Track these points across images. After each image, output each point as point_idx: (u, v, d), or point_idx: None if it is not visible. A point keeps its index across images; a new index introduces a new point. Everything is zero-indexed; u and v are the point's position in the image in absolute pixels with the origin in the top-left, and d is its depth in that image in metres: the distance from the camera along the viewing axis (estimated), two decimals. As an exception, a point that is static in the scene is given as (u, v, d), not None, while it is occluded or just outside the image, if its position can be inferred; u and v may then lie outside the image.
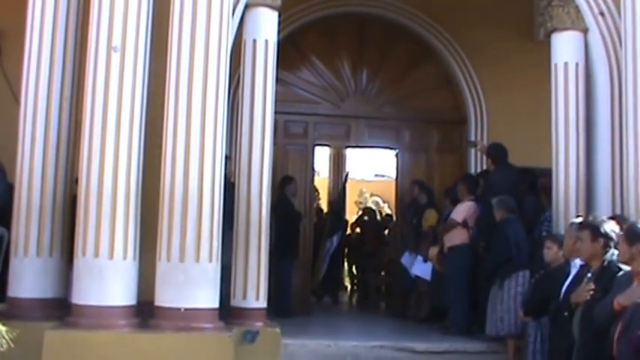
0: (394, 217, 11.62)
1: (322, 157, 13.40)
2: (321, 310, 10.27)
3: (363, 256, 12.18)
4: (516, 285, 6.91)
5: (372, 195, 17.67)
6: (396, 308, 9.86)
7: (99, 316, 5.59)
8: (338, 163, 14.34)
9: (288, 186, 9.19)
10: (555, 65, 7.34)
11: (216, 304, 5.82)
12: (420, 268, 8.91)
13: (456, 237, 8.11)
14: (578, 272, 5.03)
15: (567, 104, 7.22)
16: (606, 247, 4.64)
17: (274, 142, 7.31)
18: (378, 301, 11.49)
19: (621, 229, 4.73)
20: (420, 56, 10.24)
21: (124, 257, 5.71)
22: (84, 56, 6.13)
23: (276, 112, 7.14)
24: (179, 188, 5.73)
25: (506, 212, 7.24)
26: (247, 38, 6.95)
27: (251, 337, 6.34)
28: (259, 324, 6.56)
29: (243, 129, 6.88)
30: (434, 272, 8.60)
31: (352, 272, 13.20)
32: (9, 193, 6.59)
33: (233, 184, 6.84)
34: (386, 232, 12.51)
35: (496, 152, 8.25)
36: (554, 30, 7.37)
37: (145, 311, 5.74)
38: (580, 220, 5.40)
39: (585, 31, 7.28)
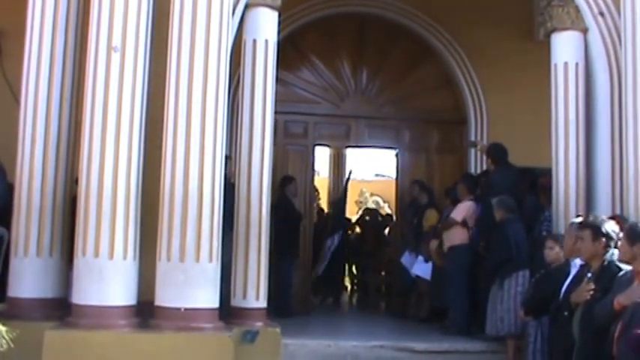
0: (394, 217, 11.63)
1: (322, 157, 13.40)
2: (321, 310, 10.27)
3: (364, 256, 12.19)
4: (516, 285, 6.91)
5: (372, 195, 17.69)
6: (396, 308, 9.87)
7: (99, 316, 5.59)
8: (338, 163, 14.34)
9: (289, 186, 9.19)
10: (555, 65, 7.35)
11: (216, 304, 5.82)
12: (421, 268, 8.91)
13: (456, 237, 8.11)
14: (578, 272, 5.04)
15: (567, 104, 7.22)
16: (607, 247, 4.64)
17: (274, 142, 7.31)
18: (378, 301, 11.49)
19: (621, 229, 4.74)
20: (420, 56, 10.24)
21: (124, 257, 5.71)
22: (84, 56, 6.13)
23: (276, 112, 7.14)
24: (179, 188, 5.74)
25: (506, 212, 7.24)
26: (247, 38, 6.95)
27: (251, 337, 6.34)
28: (259, 324, 6.56)
29: (243, 129, 6.88)
30: (434, 272, 8.60)
31: (352, 272, 13.20)
32: (9, 193, 6.59)
33: (233, 185, 6.84)
34: (386, 232, 12.52)
35: (496, 152, 8.25)
36: (554, 30, 7.37)
37: (145, 311, 5.74)
38: (580, 219, 5.41)
39: (585, 31, 7.28)
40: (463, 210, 8.16)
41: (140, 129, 5.86)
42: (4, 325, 4.52)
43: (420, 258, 8.94)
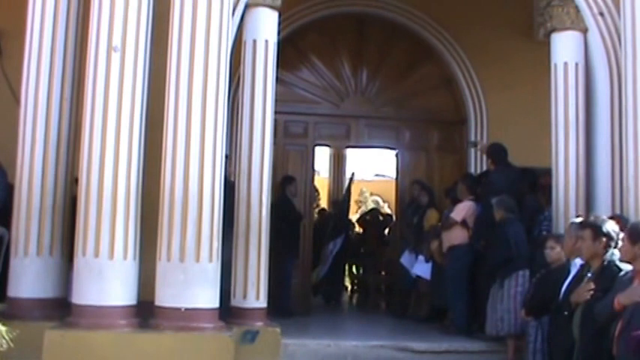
0: (394, 217, 11.63)
1: (322, 157, 13.41)
2: (321, 310, 10.27)
3: (364, 256, 12.18)
4: (516, 285, 6.91)
5: (372, 195, 17.70)
6: (396, 308, 9.86)
7: (99, 316, 5.59)
8: (338, 163, 14.34)
9: (289, 186, 9.19)
10: (555, 65, 7.35)
11: (216, 304, 5.82)
12: (421, 268, 8.91)
13: (456, 237, 8.11)
14: (578, 272, 5.04)
15: (567, 104, 7.22)
16: (607, 247, 4.65)
17: (274, 142, 7.32)
18: (378, 301, 11.49)
19: (621, 229, 4.74)
20: (420, 56, 10.24)
21: (124, 257, 5.71)
22: (84, 56, 6.13)
23: (276, 112, 7.14)
24: (179, 188, 5.74)
25: (505, 212, 7.24)
26: (247, 38, 6.95)
27: (251, 337, 6.34)
28: (259, 324, 6.56)
29: (243, 129, 6.88)
30: (434, 272, 8.60)
31: (352, 272, 13.20)
32: (9, 193, 6.60)
33: (233, 184, 6.84)
34: (386, 232, 12.51)
35: (496, 152, 8.25)
36: (554, 30, 7.38)
37: (145, 311, 5.74)
38: (580, 219, 5.41)
39: (585, 31, 7.29)
40: (463, 210, 8.16)
41: (140, 129, 5.86)
42: (4, 325, 4.52)
43: (421, 258, 8.93)
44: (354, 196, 15.82)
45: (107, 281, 5.65)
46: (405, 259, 9.33)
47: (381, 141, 10.52)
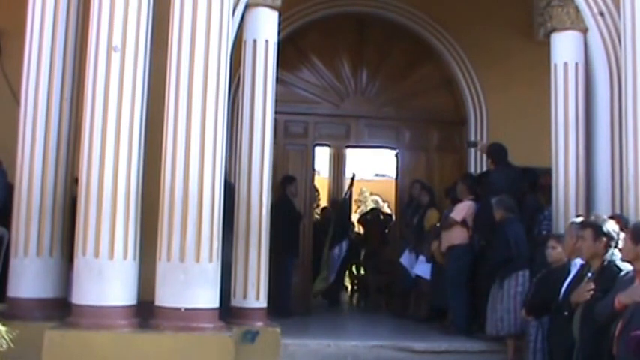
0: (393, 217, 11.62)
1: (322, 157, 13.42)
2: (321, 310, 10.27)
3: (365, 256, 12.18)
4: (516, 285, 6.91)
5: (372, 195, 17.70)
6: (396, 308, 9.86)
7: (99, 316, 5.59)
8: (338, 163, 14.34)
9: (289, 186, 9.19)
10: (555, 65, 7.35)
11: (216, 304, 5.82)
12: (422, 268, 8.91)
13: (456, 236, 8.11)
14: (578, 272, 5.04)
15: (567, 104, 7.22)
16: (607, 247, 4.65)
17: (274, 142, 7.32)
18: (378, 301, 11.49)
19: (621, 228, 4.75)
20: (420, 56, 10.24)
21: (124, 257, 5.71)
22: (84, 56, 6.13)
23: (276, 112, 7.14)
24: (179, 188, 5.74)
25: (505, 212, 7.24)
26: (247, 38, 6.95)
27: (251, 336, 6.34)
28: (259, 324, 6.56)
29: (243, 129, 6.88)
30: (434, 271, 8.60)
31: (352, 272, 13.19)
32: (9, 193, 6.59)
33: (233, 186, 6.83)
34: (386, 231, 12.50)
35: (496, 152, 8.26)
36: (554, 30, 7.38)
37: (145, 311, 5.74)
38: (580, 219, 5.41)
39: (585, 31, 7.29)
40: (463, 209, 8.15)
41: (140, 129, 5.86)
42: (4, 325, 4.53)
43: (422, 258, 8.93)
44: (354, 196, 15.82)
45: (107, 281, 5.65)
46: (405, 259, 9.33)
47: (381, 141, 10.53)
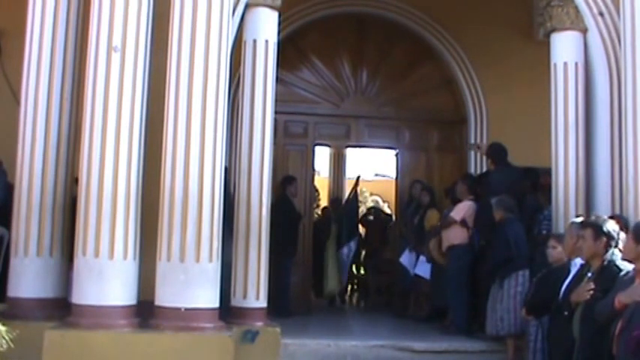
0: (393, 217, 11.62)
1: (322, 157, 13.41)
2: (321, 310, 10.27)
3: (365, 256, 12.17)
4: (516, 285, 6.91)
5: (372, 195, 17.68)
6: (396, 308, 9.87)
7: (99, 316, 5.59)
8: (338, 163, 14.33)
9: (289, 186, 9.19)
10: (555, 65, 7.35)
11: (216, 304, 5.82)
12: (422, 268, 8.91)
13: (456, 236, 8.11)
14: (578, 271, 5.04)
15: (567, 104, 7.22)
16: (608, 247, 4.65)
17: (274, 142, 7.32)
18: (378, 300, 11.48)
19: (621, 228, 4.75)
20: (420, 56, 10.25)
21: (124, 257, 5.71)
22: (84, 56, 6.13)
23: (276, 112, 7.14)
24: (179, 188, 5.73)
25: (505, 212, 7.24)
26: (247, 38, 6.95)
27: (251, 336, 6.34)
28: (259, 324, 6.56)
29: (243, 129, 6.88)
30: (434, 271, 8.60)
31: (352, 272, 13.17)
32: (9, 192, 6.59)
33: (232, 196, 6.82)
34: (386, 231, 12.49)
35: (496, 152, 8.26)
36: (554, 30, 7.38)
37: (145, 311, 5.74)
38: (581, 219, 5.41)
39: (585, 31, 7.29)
40: (462, 209, 8.16)
41: (140, 129, 5.86)
42: (4, 325, 4.53)
43: (422, 258, 8.93)
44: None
45: (107, 281, 5.64)
46: (405, 259, 9.33)
47: (381, 141, 10.55)
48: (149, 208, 5.90)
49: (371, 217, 12.71)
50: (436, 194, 9.52)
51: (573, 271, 5.20)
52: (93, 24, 5.90)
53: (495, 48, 9.70)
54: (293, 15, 9.40)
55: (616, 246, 4.65)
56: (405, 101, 10.14)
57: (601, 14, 7.16)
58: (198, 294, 5.69)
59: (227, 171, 6.58)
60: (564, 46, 7.32)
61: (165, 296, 5.70)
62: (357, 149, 13.00)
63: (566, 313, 4.79)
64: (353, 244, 10.87)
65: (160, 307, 5.70)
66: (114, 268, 5.67)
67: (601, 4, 7.16)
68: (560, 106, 7.26)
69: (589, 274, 4.73)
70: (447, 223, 8.25)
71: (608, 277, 4.51)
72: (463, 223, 8.10)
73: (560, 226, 6.87)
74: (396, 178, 10.57)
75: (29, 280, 6.18)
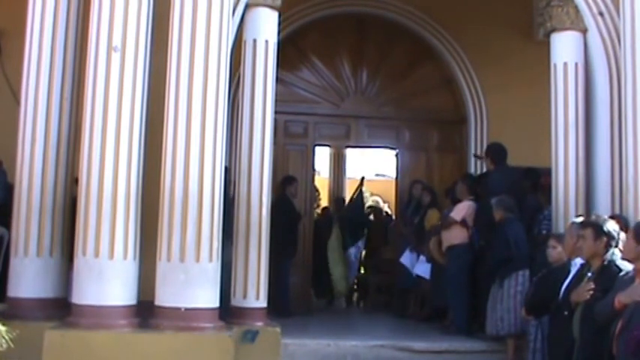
0: (394, 217, 11.62)
1: (322, 157, 13.41)
2: (321, 310, 10.27)
3: (365, 256, 12.16)
4: (516, 284, 6.91)
5: (372, 195, 17.67)
6: (396, 308, 9.87)
7: (99, 316, 5.59)
8: (338, 163, 14.34)
9: (289, 186, 9.19)
10: (555, 65, 7.35)
11: (216, 304, 5.82)
12: (422, 268, 8.91)
13: (456, 236, 8.10)
14: (578, 271, 5.04)
15: (567, 104, 7.22)
16: (608, 246, 4.65)
17: (274, 142, 7.32)
18: (378, 300, 11.48)
19: (621, 228, 4.75)
20: (420, 56, 10.25)
21: (124, 257, 5.71)
22: (84, 56, 6.13)
23: (276, 112, 7.14)
24: (179, 188, 5.73)
25: (505, 212, 7.24)
26: (247, 38, 6.95)
27: (251, 336, 6.34)
28: (259, 324, 6.56)
29: (243, 129, 6.88)
30: (434, 271, 8.60)
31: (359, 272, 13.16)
32: (9, 193, 6.59)
33: (232, 199, 6.81)
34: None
35: (495, 152, 8.25)
36: (554, 30, 7.37)
37: (145, 311, 5.74)
38: (581, 219, 5.41)
39: (584, 31, 7.28)
40: (462, 209, 8.15)
41: (140, 129, 5.86)
42: (4, 325, 4.53)
43: (422, 258, 8.93)
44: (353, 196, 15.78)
45: (107, 281, 5.65)
46: (405, 258, 9.33)
47: (381, 141, 10.55)
48: (149, 208, 5.91)
49: (371, 217, 12.70)
50: (437, 194, 9.52)
51: (573, 271, 5.20)
52: (93, 24, 5.90)
53: (495, 48, 9.71)
54: (293, 15, 9.40)
55: (616, 246, 4.65)
56: (405, 101, 10.15)
57: (601, 14, 7.16)
58: (198, 294, 5.69)
59: (227, 171, 6.56)
60: (564, 46, 7.32)
61: (166, 296, 5.70)
62: (357, 149, 13.00)
63: (566, 313, 4.79)
64: (360, 244, 10.88)
65: (160, 307, 5.70)
66: (114, 268, 5.67)
67: (601, 4, 7.16)
68: (560, 106, 7.26)
69: (589, 274, 4.73)
70: (447, 223, 8.24)
71: (608, 277, 4.51)
72: (463, 223, 8.09)
73: (560, 226, 6.87)
74: (396, 178, 10.57)
75: (29, 280, 6.18)
